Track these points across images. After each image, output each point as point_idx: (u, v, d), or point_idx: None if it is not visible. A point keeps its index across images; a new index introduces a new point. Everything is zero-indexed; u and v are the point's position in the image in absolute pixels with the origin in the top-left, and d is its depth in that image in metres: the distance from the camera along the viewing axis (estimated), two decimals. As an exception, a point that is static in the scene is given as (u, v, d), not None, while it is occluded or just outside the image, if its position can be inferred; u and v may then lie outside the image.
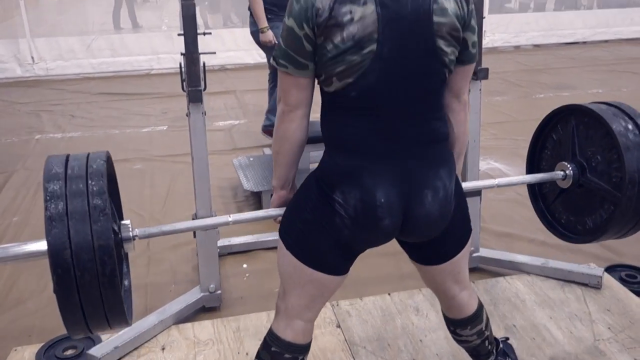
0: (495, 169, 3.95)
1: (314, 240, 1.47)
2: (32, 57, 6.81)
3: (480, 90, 2.44)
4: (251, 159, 3.74)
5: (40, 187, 3.71)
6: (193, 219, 2.29)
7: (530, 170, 2.10)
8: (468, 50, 1.45)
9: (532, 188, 2.10)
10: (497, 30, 8.16)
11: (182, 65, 2.12)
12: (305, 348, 1.58)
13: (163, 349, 2.15)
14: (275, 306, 1.60)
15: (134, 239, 1.47)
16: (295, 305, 1.54)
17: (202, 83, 2.14)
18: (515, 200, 3.46)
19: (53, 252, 1.23)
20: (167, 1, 9.48)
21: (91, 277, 1.25)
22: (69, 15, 8.87)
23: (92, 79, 6.92)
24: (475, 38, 1.45)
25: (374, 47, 1.33)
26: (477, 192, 2.55)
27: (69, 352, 2.12)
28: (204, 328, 2.27)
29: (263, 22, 3.93)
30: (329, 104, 1.44)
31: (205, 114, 2.19)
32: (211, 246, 2.35)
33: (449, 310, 1.73)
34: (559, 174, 1.90)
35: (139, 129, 5.02)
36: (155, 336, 2.20)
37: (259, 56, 7.45)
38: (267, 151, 4.12)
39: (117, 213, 1.56)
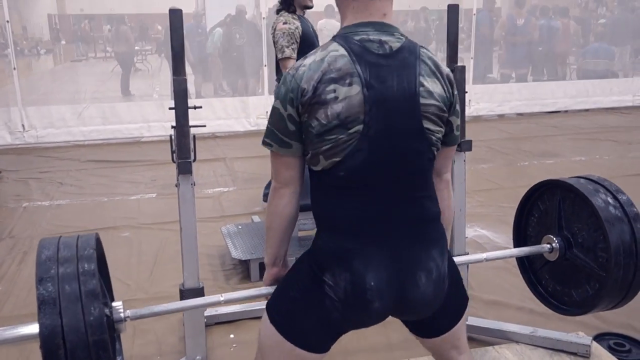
0: (482, 236, 3.98)
1: (300, 319, 1.47)
2: (23, 125, 6.88)
3: (464, 161, 2.50)
4: (239, 227, 3.75)
5: (25, 256, 3.70)
6: (180, 290, 2.29)
7: (517, 239, 2.13)
8: (452, 133, 1.50)
9: (520, 257, 2.12)
10: (482, 100, 8.40)
11: (173, 137, 2.17)
12: None
13: None
14: None
15: (126, 320, 1.48)
16: None
17: (192, 155, 2.18)
18: (503, 268, 3.47)
19: (45, 340, 1.23)
20: (158, 70, 9.73)
21: None
22: (61, 84, 9.06)
23: (83, 146, 6.98)
24: (459, 122, 1.51)
25: (360, 127, 1.35)
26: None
27: None
28: (189, 402, 2.22)
29: None
30: (317, 182, 1.46)
31: (194, 185, 2.22)
32: (198, 317, 2.33)
33: None
34: (545, 247, 1.93)
35: (128, 197, 5.02)
36: (138, 411, 2.14)
37: (249, 124, 7.61)
38: (256, 219, 4.14)
39: (108, 293, 1.57)
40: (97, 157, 6.42)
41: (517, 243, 2.14)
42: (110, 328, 1.41)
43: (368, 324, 1.50)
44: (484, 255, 1.99)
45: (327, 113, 1.35)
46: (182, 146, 2.14)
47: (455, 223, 2.52)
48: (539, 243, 1.98)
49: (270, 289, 1.60)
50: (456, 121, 1.50)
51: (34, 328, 1.29)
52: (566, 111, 8.80)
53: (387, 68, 1.37)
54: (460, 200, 2.52)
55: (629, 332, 2.71)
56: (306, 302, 1.46)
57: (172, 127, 2.14)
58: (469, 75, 8.15)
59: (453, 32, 2.42)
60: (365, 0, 1.40)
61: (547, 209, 2.01)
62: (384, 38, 1.40)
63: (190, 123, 2.16)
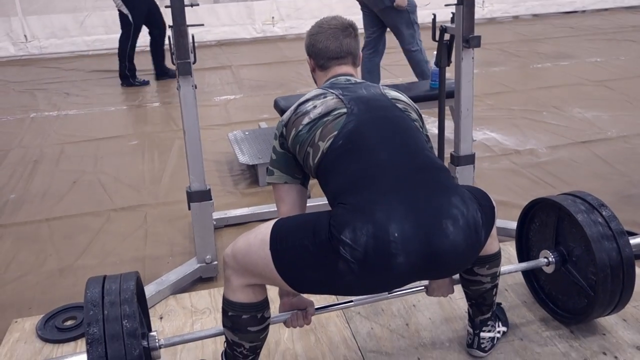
0: (491, 138, 3.95)
1: (302, 269, 1.43)
2: (25, 36, 6.77)
3: (472, 58, 2.42)
4: (246, 133, 3.74)
5: (36, 164, 3.75)
6: (187, 192, 2.31)
7: (519, 252, 2.23)
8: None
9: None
10: (496, 1, 8.08)
11: (171, 37, 2.11)
12: (259, 305, 1.57)
13: (161, 318, 2.18)
14: (224, 273, 1.58)
15: (160, 347, 1.62)
16: (243, 281, 1.54)
17: (192, 56, 2.13)
18: (509, 169, 3.47)
19: None
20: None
21: None
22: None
23: (87, 56, 6.88)
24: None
25: (343, 110, 1.59)
26: (470, 160, 2.55)
27: (69, 323, 2.15)
28: (201, 297, 2.30)
29: None
30: (325, 179, 1.56)
31: (195, 87, 2.19)
32: (206, 218, 2.37)
33: None
34: (542, 261, 2.02)
35: (135, 106, 5.00)
36: (153, 306, 2.23)
37: (255, 31, 7.41)
38: (263, 125, 4.12)
39: (146, 323, 1.75)
40: (101, 67, 6.34)
41: (519, 253, 2.22)
42: (147, 357, 1.58)
43: (384, 288, 1.52)
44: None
45: (309, 116, 1.62)
46: (181, 46, 2.08)
47: (462, 122, 2.49)
48: (540, 249, 2.07)
49: (287, 315, 1.70)
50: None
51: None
52: (584, 11, 8.46)
53: (355, 86, 1.70)
54: (467, 100, 2.47)
55: (633, 228, 2.73)
56: (317, 258, 1.40)
57: (170, 26, 2.08)
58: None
59: None
60: (330, 68, 1.79)
61: (546, 221, 2.08)
62: (350, 78, 1.76)
63: (188, 23, 2.09)
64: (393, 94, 1.71)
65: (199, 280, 2.44)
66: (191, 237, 2.74)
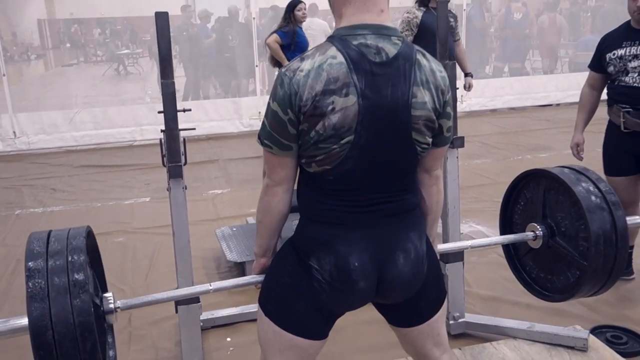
0: (477, 231, 3.98)
1: (293, 305, 1.50)
2: (14, 132, 6.85)
3: (457, 157, 2.49)
4: (234, 229, 3.74)
5: (19, 264, 3.67)
6: (175, 294, 2.27)
7: (503, 226, 2.15)
8: (442, 135, 1.52)
9: (506, 245, 2.13)
10: (474, 95, 8.40)
11: (163, 141, 2.15)
12: None
13: None
14: None
15: (117, 311, 1.49)
16: None
17: (183, 158, 2.16)
18: (498, 263, 3.47)
19: (34, 331, 1.24)
20: (150, 73, 9.68)
21: (73, 353, 1.26)
22: (52, 89, 8.99)
23: (75, 152, 6.95)
24: (450, 123, 1.52)
25: (351, 137, 1.39)
26: (459, 257, 2.56)
27: None
28: (186, 407, 2.20)
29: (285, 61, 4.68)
30: (305, 180, 1.50)
31: (185, 188, 2.21)
32: (193, 320, 2.32)
33: None
34: (529, 234, 1.96)
35: (121, 201, 5.01)
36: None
37: (242, 125, 7.59)
38: (251, 220, 4.13)
39: (100, 285, 1.59)
40: (89, 162, 6.39)
41: (503, 230, 2.15)
42: (100, 317, 1.42)
43: (354, 306, 1.54)
44: (468, 243, 2.03)
45: (324, 124, 1.38)
46: (172, 150, 2.13)
47: (450, 220, 2.51)
48: (524, 231, 2.00)
49: (260, 277, 1.63)
50: (447, 123, 1.51)
51: (23, 320, 1.31)
52: (558, 104, 8.81)
53: (382, 77, 1.39)
54: (453, 197, 2.51)
55: (625, 324, 2.72)
56: (296, 286, 1.49)
57: (162, 130, 2.13)
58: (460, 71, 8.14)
59: (443, 28, 2.41)
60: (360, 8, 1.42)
61: (532, 197, 2.03)
62: (381, 44, 1.40)
63: (180, 126, 2.15)
64: (420, 97, 1.42)
65: (185, 387, 2.35)
66: (177, 340, 2.66)
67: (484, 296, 3.11)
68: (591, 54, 3.11)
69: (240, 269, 3.41)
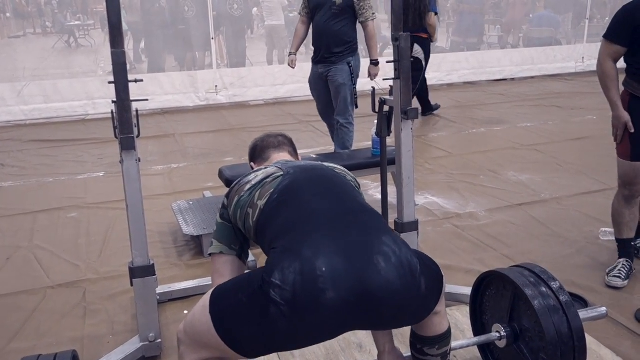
0: (433, 202, 4.05)
1: (240, 325, 1.42)
2: (-40, 106, 6.57)
3: (411, 129, 2.52)
4: (191, 203, 3.70)
5: (-33, 241, 3.55)
6: (130, 268, 2.25)
7: (474, 324, 2.20)
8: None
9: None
10: (431, 70, 8.47)
11: (114, 112, 2.10)
12: None
13: (100, 404, 2.07)
14: (178, 351, 1.60)
15: None
16: (195, 357, 1.55)
17: (136, 130, 2.12)
18: (452, 232, 3.55)
19: None
20: (102, 45, 9.38)
21: None
22: (-1, 61, 8.63)
23: (24, 126, 6.72)
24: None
25: (280, 172, 1.74)
26: (414, 227, 2.61)
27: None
28: (143, 380, 2.20)
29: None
30: (262, 230, 1.63)
31: (139, 161, 2.17)
32: (149, 294, 2.29)
33: (420, 328, 1.72)
34: (494, 335, 2.01)
35: (74, 176, 4.88)
36: (91, 392, 2.11)
37: (198, 99, 7.47)
38: (207, 194, 4.09)
39: None
40: (40, 136, 6.20)
41: (475, 328, 2.21)
42: None
43: (321, 334, 1.42)
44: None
45: (251, 183, 1.76)
46: (124, 121, 2.08)
47: (404, 190, 2.55)
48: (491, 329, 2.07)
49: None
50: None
51: None
52: (513, 79, 8.97)
53: (295, 161, 1.88)
54: (408, 169, 2.54)
55: (570, 288, 2.82)
56: (251, 309, 1.39)
57: (113, 101, 2.08)
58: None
59: (397, 1, 2.41)
60: (271, 157, 2.05)
61: (500, 294, 2.06)
62: (290, 158, 2.00)
63: (133, 98, 2.10)
64: (331, 165, 1.90)
65: (142, 360, 2.34)
66: (134, 314, 2.64)
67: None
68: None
69: (197, 242, 3.39)
